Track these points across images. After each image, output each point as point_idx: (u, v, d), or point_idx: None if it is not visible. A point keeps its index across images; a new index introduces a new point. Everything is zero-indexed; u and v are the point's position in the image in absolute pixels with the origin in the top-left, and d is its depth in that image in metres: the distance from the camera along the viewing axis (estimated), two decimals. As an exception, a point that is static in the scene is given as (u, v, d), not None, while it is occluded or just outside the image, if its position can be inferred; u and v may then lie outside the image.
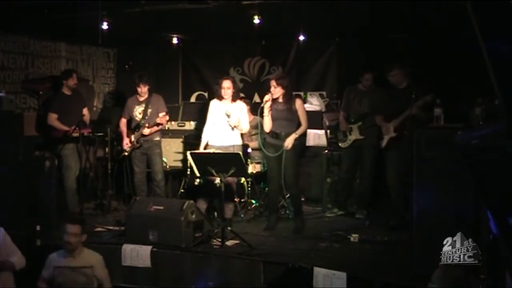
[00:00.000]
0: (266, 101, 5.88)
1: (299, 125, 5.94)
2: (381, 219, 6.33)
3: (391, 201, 6.27)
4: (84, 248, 4.55)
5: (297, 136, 5.87)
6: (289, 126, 5.91)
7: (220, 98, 6.17)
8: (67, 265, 4.42)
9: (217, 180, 5.83)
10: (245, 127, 6.22)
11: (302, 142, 6.19)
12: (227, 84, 6.09)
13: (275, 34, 7.92)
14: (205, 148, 6.20)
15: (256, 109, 6.53)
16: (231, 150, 5.98)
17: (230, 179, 5.73)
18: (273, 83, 5.89)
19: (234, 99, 6.15)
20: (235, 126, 6.04)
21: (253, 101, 8.20)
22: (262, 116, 5.95)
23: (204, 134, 6.28)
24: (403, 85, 6.08)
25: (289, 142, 5.83)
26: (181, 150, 7.69)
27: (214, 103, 6.26)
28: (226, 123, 6.08)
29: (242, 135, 7.14)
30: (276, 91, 5.85)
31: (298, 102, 5.93)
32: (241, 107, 6.21)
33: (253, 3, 6.00)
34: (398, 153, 5.97)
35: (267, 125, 5.95)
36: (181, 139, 7.76)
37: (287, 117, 5.91)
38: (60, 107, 6.91)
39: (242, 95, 7.98)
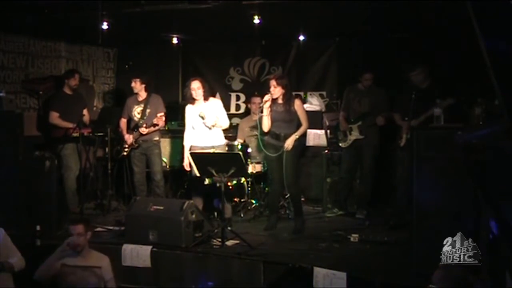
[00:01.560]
0: (266, 101, 5.87)
1: (299, 125, 5.94)
2: (381, 219, 6.33)
3: (396, 200, 6.27)
4: (91, 250, 4.52)
5: (297, 137, 5.87)
6: (288, 127, 5.90)
7: (192, 101, 6.10)
8: (79, 265, 4.37)
9: (207, 181, 5.86)
10: (225, 123, 6.19)
11: (302, 143, 6.18)
12: (196, 85, 6.04)
13: (275, 34, 7.92)
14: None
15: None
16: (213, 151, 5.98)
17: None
18: (273, 82, 5.88)
19: (206, 98, 6.11)
20: (212, 126, 6.03)
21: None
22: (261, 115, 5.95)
23: (185, 139, 6.26)
24: (425, 85, 5.99)
25: (289, 143, 5.83)
26: (181, 150, 7.68)
27: (188, 108, 6.21)
28: (204, 126, 6.06)
29: (238, 134, 7.19)
30: (276, 91, 5.84)
31: (297, 103, 5.91)
32: (215, 104, 6.18)
33: (253, 3, 5.99)
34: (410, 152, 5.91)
35: (266, 124, 5.93)
36: (181, 139, 7.75)
37: (286, 118, 5.90)
38: (61, 105, 6.92)
39: (245, 93, 8.02)
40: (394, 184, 6.41)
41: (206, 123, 6.01)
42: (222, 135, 6.24)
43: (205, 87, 6.09)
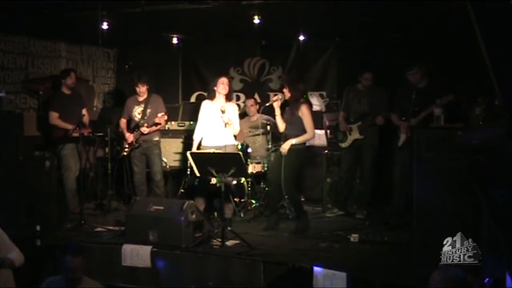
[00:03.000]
0: (274, 100, 5.99)
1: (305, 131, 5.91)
2: (381, 219, 6.33)
3: (392, 199, 6.27)
4: (84, 276, 4.09)
5: (293, 142, 5.82)
6: (290, 130, 5.92)
7: (213, 96, 6.19)
8: None
9: (213, 180, 5.85)
10: (237, 128, 6.26)
11: (300, 150, 5.94)
12: (225, 80, 6.18)
13: (275, 34, 7.92)
14: (197, 149, 6.22)
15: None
16: (224, 150, 5.99)
17: (228, 179, 5.72)
18: (284, 84, 6.02)
19: (227, 99, 6.19)
20: (227, 123, 6.04)
21: (243, 101, 8.23)
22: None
23: (196, 134, 6.30)
24: (423, 84, 5.96)
25: (283, 147, 5.85)
26: (181, 150, 7.69)
27: (206, 103, 6.28)
28: (219, 123, 6.09)
29: (237, 136, 7.20)
30: (285, 92, 5.94)
31: (302, 109, 5.85)
32: (234, 108, 6.25)
33: (253, 3, 6.01)
34: (410, 152, 5.90)
35: (279, 124, 6.06)
36: (181, 139, 7.76)
37: (289, 121, 5.95)
38: (60, 106, 6.92)
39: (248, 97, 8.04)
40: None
41: (223, 118, 6.03)
42: (232, 135, 6.29)
43: (230, 87, 6.23)
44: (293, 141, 5.82)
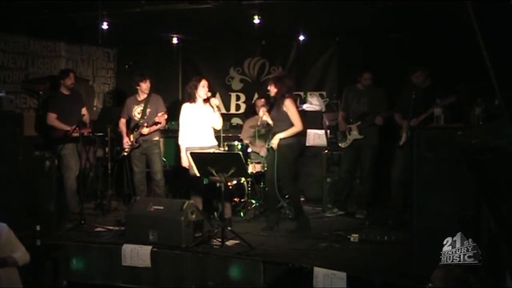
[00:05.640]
0: (261, 117, 6.12)
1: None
2: (381, 219, 6.33)
3: (392, 199, 6.27)
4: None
5: (281, 136, 5.82)
6: (277, 126, 5.93)
7: (194, 99, 6.11)
8: None
9: (205, 181, 5.89)
10: (220, 123, 6.22)
11: (297, 143, 6.02)
12: (206, 83, 6.09)
13: (275, 34, 7.92)
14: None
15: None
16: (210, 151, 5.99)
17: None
18: (270, 81, 6.00)
19: (206, 99, 6.13)
20: (217, 105, 6.06)
21: (253, 101, 8.22)
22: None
23: (181, 138, 6.19)
24: (426, 84, 6.01)
25: (273, 142, 5.87)
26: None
27: (187, 106, 6.18)
28: (204, 125, 6.09)
29: (242, 134, 7.19)
30: (271, 88, 5.92)
31: (286, 103, 5.84)
32: (214, 104, 6.11)
33: (253, 3, 6.00)
34: (411, 152, 5.90)
35: (270, 122, 6.10)
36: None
37: (276, 117, 5.96)
38: (58, 107, 6.92)
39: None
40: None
41: (213, 101, 6.02)
42: (214, 137, 6.27)
43: (209, 87, 6.17)
44: (281, 135, 5.82)
